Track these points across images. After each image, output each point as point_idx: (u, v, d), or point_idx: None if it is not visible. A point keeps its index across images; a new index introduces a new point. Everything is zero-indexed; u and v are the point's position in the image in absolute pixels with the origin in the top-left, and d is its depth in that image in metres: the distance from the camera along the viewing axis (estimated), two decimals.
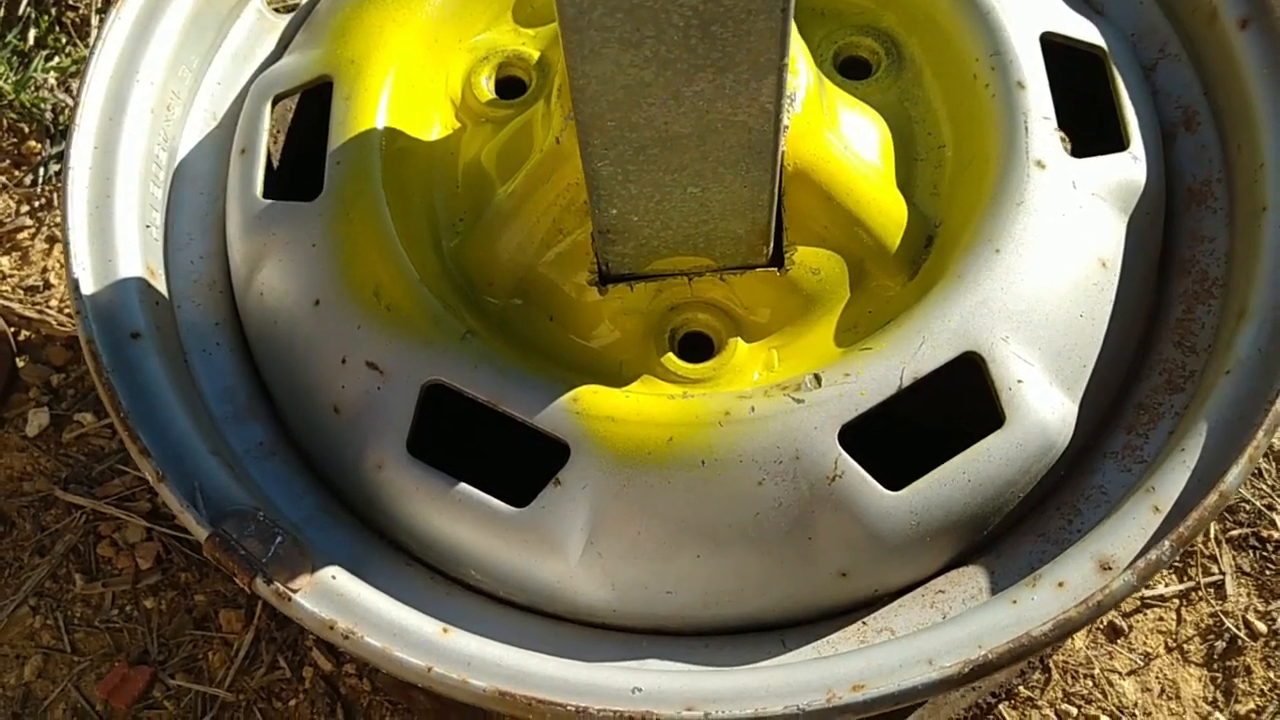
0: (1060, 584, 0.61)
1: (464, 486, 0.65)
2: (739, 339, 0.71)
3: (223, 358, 0.74)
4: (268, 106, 0.76)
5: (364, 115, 0.74)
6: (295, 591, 0.59)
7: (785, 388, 0.66)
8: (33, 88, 1.08)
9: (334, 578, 0.62)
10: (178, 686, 0.87)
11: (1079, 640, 0.85)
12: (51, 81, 1.09)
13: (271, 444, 0.72)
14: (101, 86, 0.74)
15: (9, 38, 1.11)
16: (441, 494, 0.66)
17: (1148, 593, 0.86)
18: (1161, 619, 0.86)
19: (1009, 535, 0.68)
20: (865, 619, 0.66)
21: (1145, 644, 0.86)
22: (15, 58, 1.11)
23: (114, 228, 0.71)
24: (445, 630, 0.61)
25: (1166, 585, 0.86)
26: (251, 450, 0.71)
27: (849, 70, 0.80)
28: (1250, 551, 0.86)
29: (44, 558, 0.92)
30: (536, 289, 0.72)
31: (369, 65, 0.76)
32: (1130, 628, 0.85)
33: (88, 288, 0.68)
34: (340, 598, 0.61)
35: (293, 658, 0.88)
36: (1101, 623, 0.85)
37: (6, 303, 1.00)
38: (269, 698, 0.87)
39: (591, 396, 0.66)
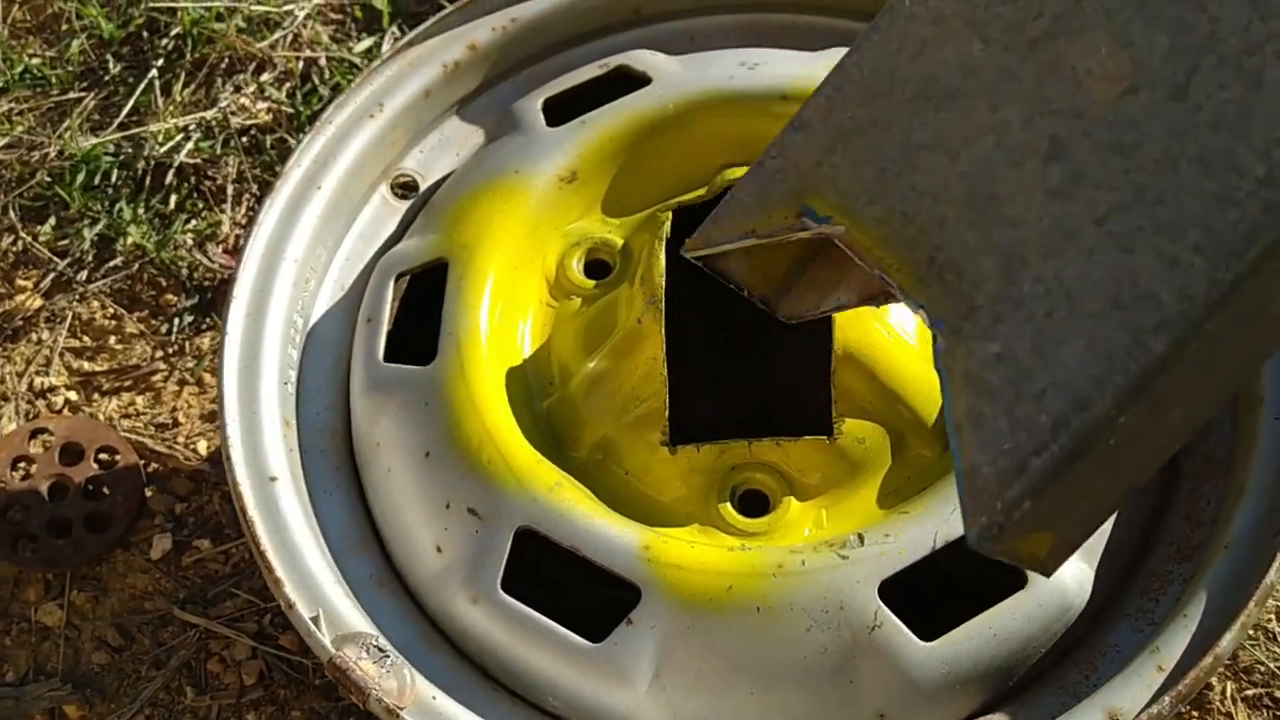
0: None
1: (547, 622, 0.75)
2: (792, 498, 0.80)
3: (340, 498, 0.85)
4: (391, 283, 0.89)
5: (473, 293, 0.86)
6: (403, 709, 0.69)
7: (832, 545, 0.75)
8: (172, 247, 1.23)
9: (434, 698, 0.72)
10: None
11: None
12: (189, 242, 1.24)
13: (380, 576, 0.82)
14: (255, 264, 0.87)
15: (153, 202, 1.27)
16: (528, 628, 0.75)
17: None
18: None
19: (1032, 687, 0.76)
20: None
21: None
22: (157, 220, 1.26)
23: (259, 386, 0.83)
24: None
25: None
26: (363, 581, 0.81)
27: None
28: (1264, 711, 0.92)
29: (159, 671, 1.02)
30: (615, 447, 0.83)
31: (479, 250, 0.88)
32: None
33: (236, 438, 0.79)
34: (440, 715, 0.70)
35: None
36: None
37: (140, 438, 1.13)
38: None
39: (661, 546, 0.76)
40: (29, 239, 1.25)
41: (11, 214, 1.26)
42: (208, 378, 1.18)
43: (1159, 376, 0.43)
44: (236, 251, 1.23)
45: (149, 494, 1.09)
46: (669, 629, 0.73)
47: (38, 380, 1.17)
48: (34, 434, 1.11)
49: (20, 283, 1.23)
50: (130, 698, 1.01)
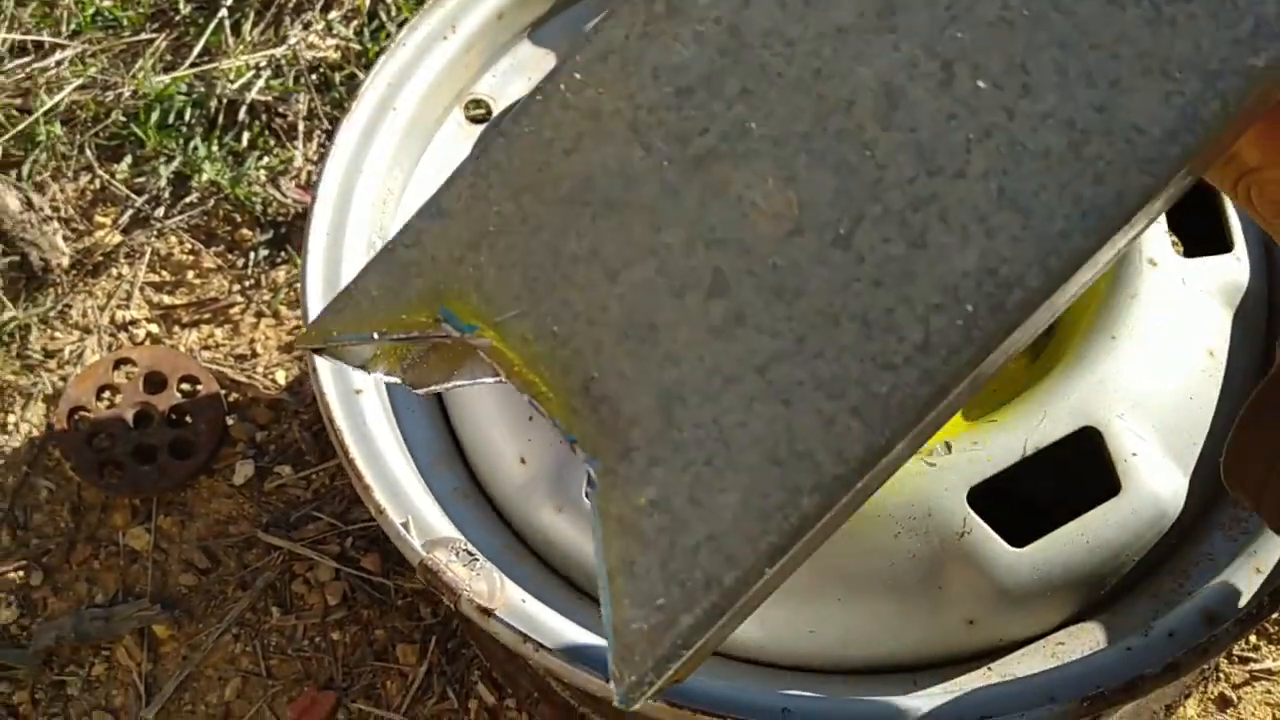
0: (1170, 634, 0.67)
1: None
2: None
3: (422, 415, 0.86)
4: None
5: None
6: (494, 610, 0.70)
7: (920, 452, 0.74)
8: (245, 183, 1.25)
9: (524, 601, 0.72)
10: (359, 710, 0.98)
11: (1191, 709, 0.90)
12: (263, 178, 1.25)
13: (464, 490, 0.83)
14: (335, 182, 0.88)
15: (226, 139, 1.28)
16: None
17: (1256, 666, 0.91)
18: (1269, 691, 0.90)
19: (1124, 596, 0.75)
20: (990, 665, 0.73)
21: (1254, 715, 0.90)
22: (231, 157, 1.28)
23: None
24: None
25: (1275, 660, 0.91)
26: (448, 495, 0.82)
27: None
28: None
29: (245, 592, 1.04)
30: None
31: None
32: (1240, 699, 0.90)
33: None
34: (530, 619, 0.71)
35: (460, 690, 0.98)
36: (1213, 693, 0.90)
37: (220, 368, 1.15)
38: None
39: None
40: (106, 177, 1.27)
41: (89, 153, 1.28)
42: (284, 310, 1.19)
43: (807, 533, 0.41)
44: (309, 186, 1.24)
45: (230, 422, 1.11)
46: None
47: (119, 314, 1.20)
48: (118, 364, 1.13)
49: (99, 219, 1.25)
50: (217, 618, 1.04)
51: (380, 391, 0.83)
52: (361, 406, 0.80)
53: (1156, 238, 0.79)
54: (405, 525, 0.73)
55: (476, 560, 0.72)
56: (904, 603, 0.72)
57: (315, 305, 0.82)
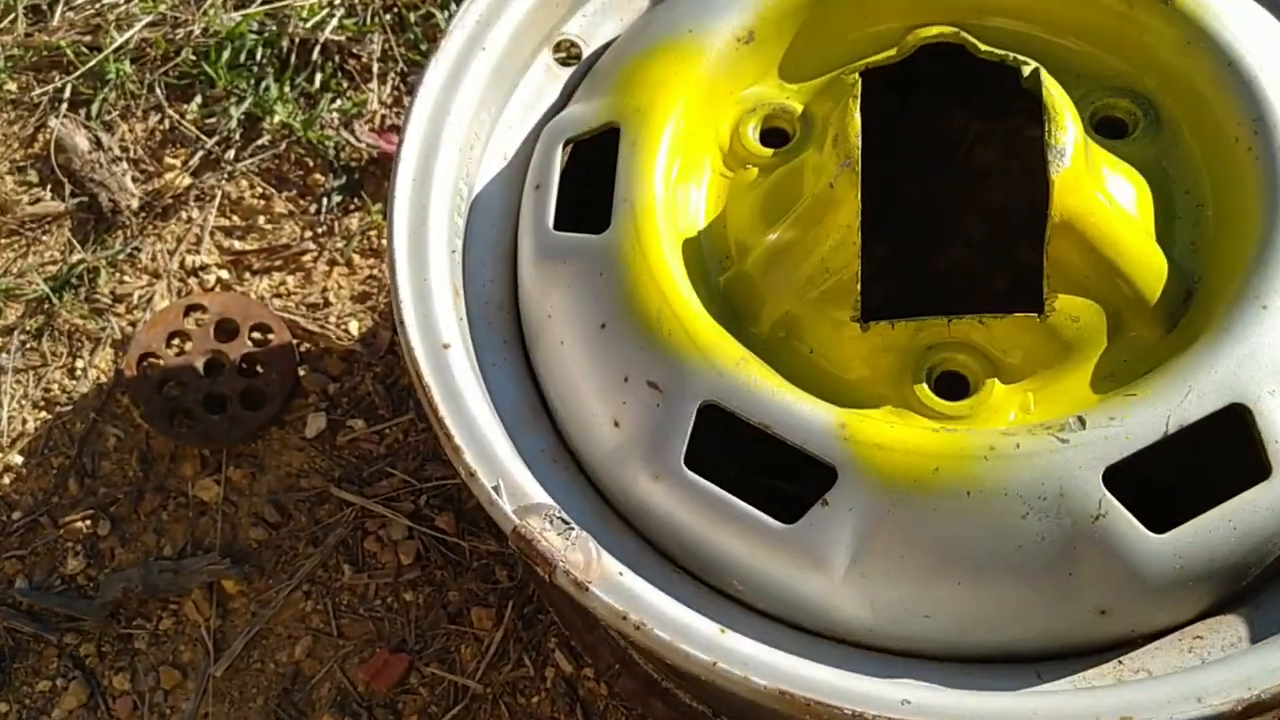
0: None
1: (736, 501, 0.70)
2: (995, 380, 0.74)
3: (509, 372, 0.81)
4: (559, 149, 0.84)
5: (648, 160, 0.81)
6: (590, 583, 0.65)
7: (1049, 427, 0.69)
8: (319, 126, 1.20)
9: (621, 574, 0.68)
10: (432, 675, 0.95)
11: None
12: (335, 121, 1.21)
13: (552, 452, 0.78)
14: (421, 125, 0.83)
15: (298, 80, 1.24)
16: (714, 506, 0.71)
17: None
18: None
19: (1266, 588, 0.69)
20: (1121, 658, 0.67)
21: None
22: (303, 98, 1.23)
23: (428, 252, 0.79)
24: (723, 631, 0.66)
25: None
26: (536, 456, 0.77)
27: (1106, 130, 0.82)
28: None
29: (317, 548, 1.01)
30: (799, 323, 0.77)
31: (652, 114, 0.83)
32: None
33: (409, 304, 0.76)
34: (628, 592, 0.67)
35: (536, 657, 0.95)
36: None
37: (292, 317, 1.11)
38: (514, 693, 0.94)
39: (859, 423, 0.70)
40: (176, 117, 1.23)
41: (158, 92, 1.25)
42: (357, 259, 1.15)
43: None
44: (384, 131, 1.20)
45: (302, 373, 1.08)
46: (869, 512, 0.68)
47: (189, 259, 1.16)
48: (189, 310, 1.10)
49: (169, 161, 1.21)
50: (288, 574, 1.01)
51: (468, 345, 0.79)
52: (449, 362, 0.76)
53: None
54: (497, 489, 0.69)
55: (572, 529, 0.68)
56: (1030, 588, 0.67)
57: (402, 256, 0.78)
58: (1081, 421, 0.68)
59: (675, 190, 0.82)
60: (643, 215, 0.79)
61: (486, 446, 0.72)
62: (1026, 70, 0.78)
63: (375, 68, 1.23)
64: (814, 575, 0.69)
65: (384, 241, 1.15)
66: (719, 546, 0.71)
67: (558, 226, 0.82)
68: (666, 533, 0.74)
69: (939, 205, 1.04)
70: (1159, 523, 0.67)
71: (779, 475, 0.74)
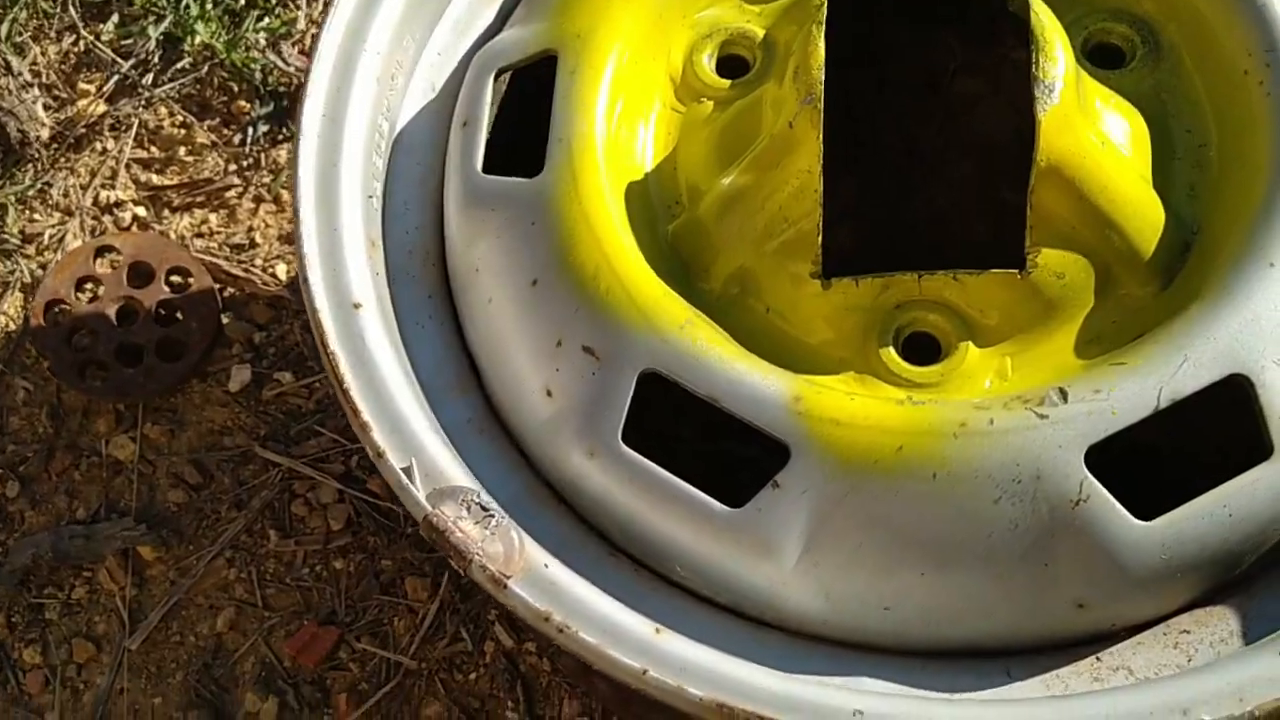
0: None
1: (678, 481, 0.63)
2: (970, 343, 0.67)
3: (434, 331, 0.74)
4: (490, 80, 0.75)
5: (588, 92, 0.72)
6: (510, 578, 0.58)
7: (1027, 400, 0.61)
8: (243, 48, 1.10)
9: (546, 566, 0.61)
10: (363, 650, 0.89)
11: None
12: (262, 42, 1.11)
13: (480, 421, 0.71)
14: (332, 56, 0.74)
15: None
16: (654, 487, 0.64)
17: None
18: None
19: (1264, 575, 0.63)
20: (1099, 654, 0.61)
21: None
22: (227, 16, 1.13)
23: (339, 199, 0.71)
24: (658, 631, 0.59)
25: None
26: (461, 426, 0.70)
27: (1100, 58, 0.74)
28: None
29: (240, 511, 0.94)
30: (755, 278, 0.69)
31: (594, 40, 0.74)
32: None
33: (314, 259, 0.68)
34: (553, 587, 0.60)
35: (475, 630, 0.88)
36: None
37: (214, 259, 1.02)
38: (450, 669, 0.88)
39: (815, 397, 0.63)
40: (90, 38, 1.13)
41: (72, 10, 1.14)
42: (286, 195, 1.06)
43: None
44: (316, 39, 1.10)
45: (225, 320, 1.00)
46: (824, 495, 0.61)
47: (104, 194, 1.07)
48: (100, 252, 1.01)
49: (83, 86, 1.11)
50: (209, 539, 0.94)
51: (384, 306, 0.71)
52: (361, 325, 0.68)
53: None
54: (408, 471, 0.62)
55: (491, 516, 0.60)
56: (1001, 580, 0.60)
57: (308, 203, 0.69)
58: (1063, 394, 0.61)
59: (620, 127, 0.73)
60: (580, 156, 0.70)
61: (399, 421, 0.65)
62: None
63: None
64: (763, 563, 0.62)
65: None
66: (659, 530, 0.64)
67: (487, 169, 0.73)
68: (603, 513, 0.67)
69: (920, 139, 0.95)
70: (1146, 507, 0.60)
71: (730, 451, 0.66)
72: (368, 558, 0.92)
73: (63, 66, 1.13)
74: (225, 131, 1.09)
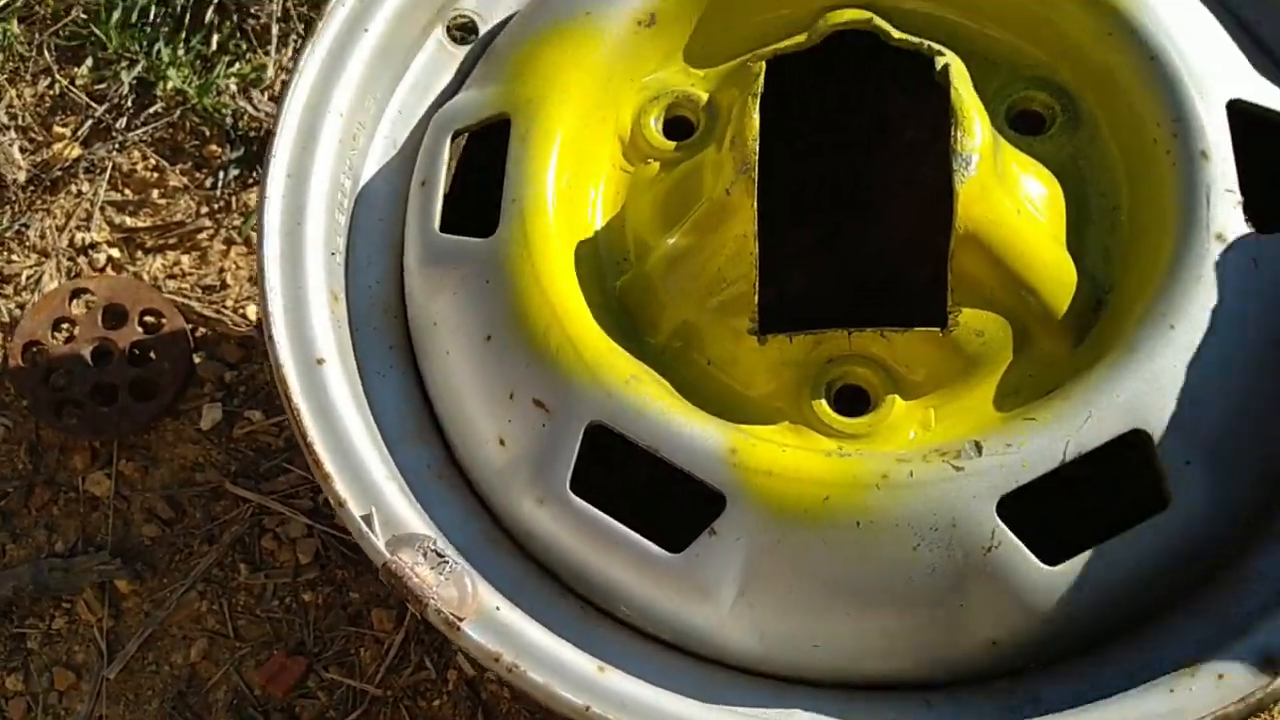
0: (1220, 676, 0.60)
1: (621, 528, 0.67)
2: (896, 396, 0.71)
3: (395, 380, 0.78)
4: (447, 141, 0.79)
5: (539, 155, 0.76)
6: (463, 620, 0.63)
7: (944, 453, 0.66)
8: (214, 93, 1.14)
9: (498, 609, 0.65)
10: (331, 679, 0.92)
11: None
12: (233, 88, 1.14)
13: (439, 468, 0.75)
14: (296, 118, 0.77)
15: (193, 42, 1.17)
16: (599, 533, 0.68)
17: None
18: None
19: (1167, 614, 0.67)
20: (1012, 687, 0.66)
21: None
22: (198, 62, 1.17)
23: (304, 255, 0.75)
24: (601, 669, 0.64)
25: None
26: (420, 472, 0.74)
27: (1021, 124, 0.79)
28: None
29: (212, 545, 0.98)
30: (697, 333, 0.74)
31: (545, 106, 0.78)
32: None
33: (279, 315, 0.72)
34: (504, 629, 0.64)
35: (438, 660, 0.92)
36: None
37: (186, 300, 1.06)
38: (415, 696, 0.92)
39: (750, 449, 0.67)
40: (65, 82, 1.17)
41: (47, 55, 1.18)
42: (255, 236, 1.10)
43: None
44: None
45: (197, 360, 1.03)
46: (757, 543, 0.65)
47: (79, 236, 1.11)
48: (75, 294, 1.05)
49: (58, 129, 1.15)
50: (182, 573, 0.97)
51: (347, 357, 0.75)
52: (325, 378, 0.72)
53: (1226, 210, 0.69)
54: (368, 519, 0.66)
55: (446, 562, 0.65)
56: (921, 620, 0.65)
57: (273, 264, 0.73)
58: (978, 447, 0.66)
59: (570, 187, 0.77)
60: (532, 218, 0.74)
61: (360, 471, 0.69)
62: (939, 64, 0.73)
63: (275, 29, 1.17)
64: (702, 604, 0.66)
65: None
66: (605, 574, 0.69)
67: (444, 227, 0.77)
68: (553, 557, 0.71)
69: (870, 185, 1.00)
70: (1055, 552, 0.65)
71: (673, 498, 0.71)
72: (335, 590, 0.96)
73: (38, 109, 1.17)
74: (197, 175, 1.12)
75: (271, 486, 0.99)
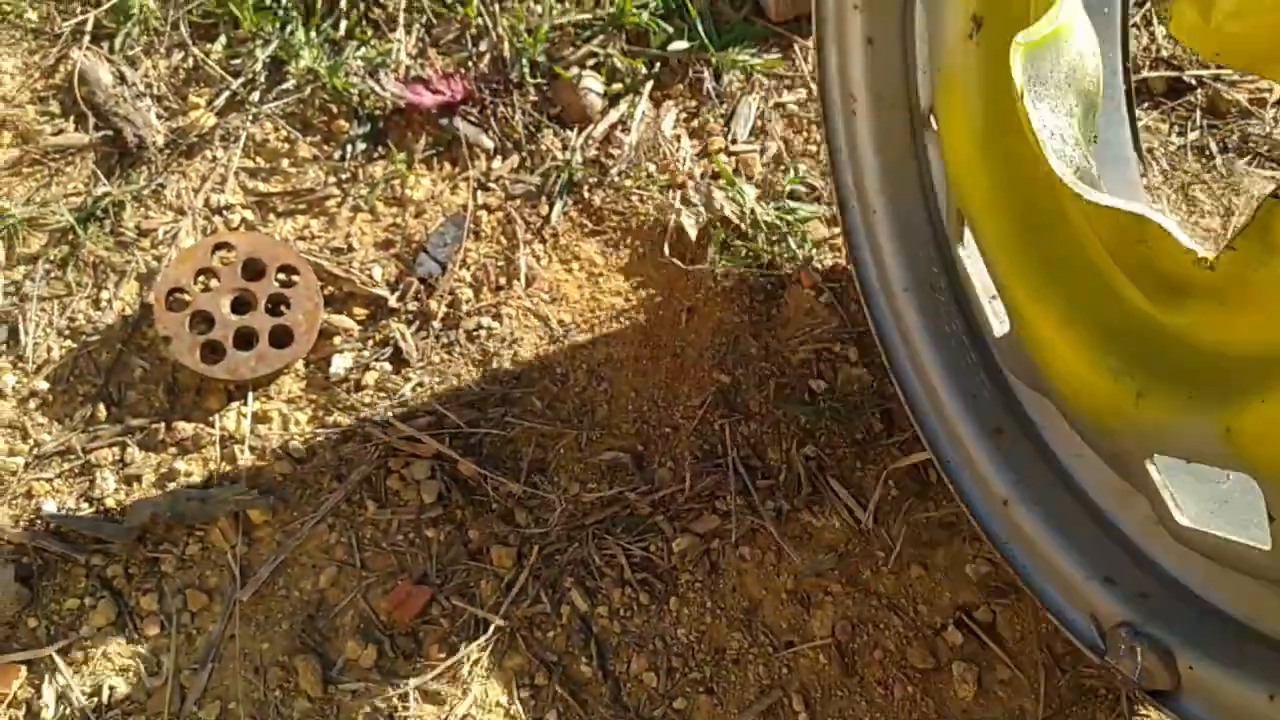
0: None
1: None
2: None
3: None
4: None
5: None
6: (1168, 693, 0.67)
7: None
8: (343, 74, 1.23)
9: (1190, 667, 0.67)
10: (453, 607, 1.00)
11: None
12: (360, 69, 1.23)
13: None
14: None
15: (324, 27, 1.26)
16: None
17: None
18: None
19: None
20: None
21: None
22: (328, 45, 1.25)
23: None
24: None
25: None
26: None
27: None
28: None
29: (341, 483, 1.05)
30: None
31: None
32: None
33: None
34: (1211, 697, 0.65)
35: (554, 595, 1.00)
36: None
37: (317, 260, 1.14)
38: (531, 627, 0.99)
39: None
40: (200, 56, 1.25)
41: (182, 29, 1.26)
42: (381, 206, 1.18)
43: None
44: (410, 82, 1.22)
45: (327, 315, 1.11)
46: None
47: (214, 197, 1.19)
48: (217, 248, 1.13)
49: (193, 99, 1.23)
50: (313, 507, 1.05)
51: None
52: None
53: None
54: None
55: (1136, 646, 0.70)
56: None
57: None
58: None
59: None
60: None
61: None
62: None
63: (401, 18, 1.26)
64: None
65: (407, 191, 1.18)
66: None
67: None
68: None
69: None
70: None
71: None
72: (456, 528, 1.03)
73: (173, 80, 1.25)
74: (325, 147, 1.21)
75: (397, 431, 1.07)
